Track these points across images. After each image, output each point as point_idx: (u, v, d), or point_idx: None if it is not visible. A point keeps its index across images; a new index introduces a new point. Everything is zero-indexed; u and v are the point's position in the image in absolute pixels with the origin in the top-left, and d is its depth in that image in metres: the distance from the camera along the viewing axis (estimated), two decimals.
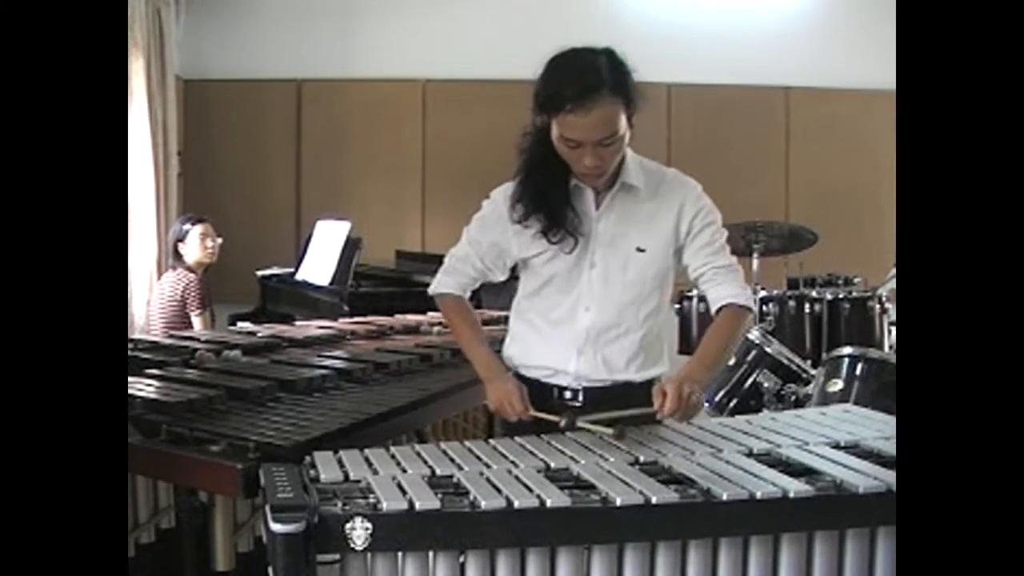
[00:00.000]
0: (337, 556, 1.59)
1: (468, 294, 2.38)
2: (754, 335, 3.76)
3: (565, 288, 2.20)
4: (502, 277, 2.34)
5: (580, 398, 2.21)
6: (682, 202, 2.22)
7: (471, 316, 2.36)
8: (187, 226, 4.67)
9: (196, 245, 4.68)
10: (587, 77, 2.01)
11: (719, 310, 2.19)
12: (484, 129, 5.16)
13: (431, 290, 2.40)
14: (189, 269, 4.63)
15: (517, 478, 1.74)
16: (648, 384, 2.17)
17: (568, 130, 2.03)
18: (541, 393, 2.20)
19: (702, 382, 2.07)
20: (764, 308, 4.33)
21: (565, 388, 2.22)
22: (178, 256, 4.63)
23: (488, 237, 2.27)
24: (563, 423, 2.05)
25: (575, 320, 2.20)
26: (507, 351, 2.33)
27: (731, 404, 3.71)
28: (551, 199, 2.14)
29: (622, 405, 2.11)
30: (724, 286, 2.19)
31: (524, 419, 2.13)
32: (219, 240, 4.69)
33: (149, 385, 2.46)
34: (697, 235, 2.21)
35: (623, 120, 2.06)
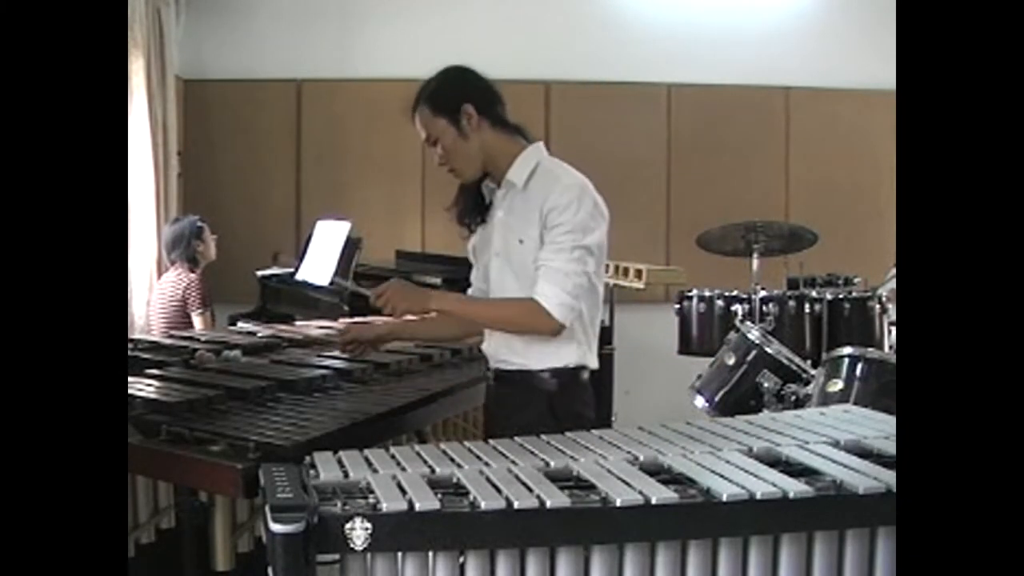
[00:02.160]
0: (337, 556, 1.59)
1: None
2: (754, 335, 3.76)
3: (486, 276, 2.48)
4: None
5: (493, 379, 2.48)
6: (546, 197, 2.32)
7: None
8: (200, 224, 4.68)
9: (211, 242, 4.70)
10: (419, 90, 2.39)
11: (522, 296, 2.33)
12: None
13: None
14: (189, 269, 4.63)
15: (517, 478, 1.74)
16: (547, 373, 2.35)
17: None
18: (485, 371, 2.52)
19: (433, 304, 2.45)
20: (764, 308, 4.33)
21: (489, 369, 2.49)
22: (190, 255, 4.63)
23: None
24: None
25: None
26: None
27: (731, 404, 3.70)
28: (466, 193, 2.47)
29: (518, 392, 2.38)
30: (543, 283, 2.28)
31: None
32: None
33: (149, 385, 2.46)
34: (549, 231, 2.30)
35: (439, 124, 2.35)
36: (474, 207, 2.47)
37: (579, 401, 2.41)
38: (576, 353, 2.38)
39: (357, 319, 3.92)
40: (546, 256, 2.28)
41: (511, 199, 2.40)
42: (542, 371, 2.37)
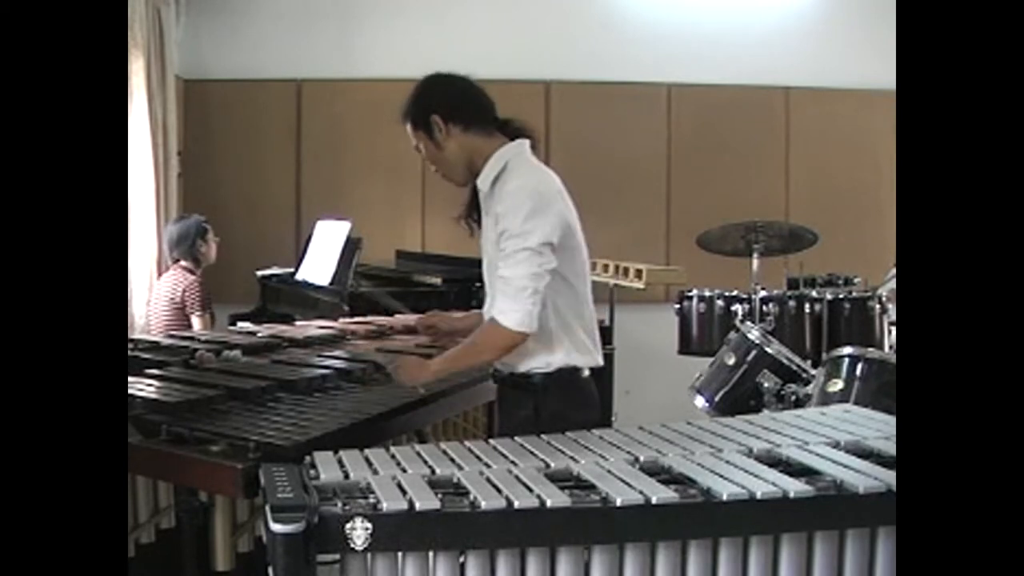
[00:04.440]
0: (337, 556, 1.59)
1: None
2: (754, 335, 3.76)
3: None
4: None
5: (496, 382, 2.50)
6: (501, 198, 2.34)
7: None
8: (205, 224, 4.68)
9: (213, 244, 4.70)
10: None
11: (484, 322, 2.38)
12: None
13: None
14: (189, 270, 4.63)
15: (517, 478, 1.74)
16: (531, 376, 2.36)
17: None
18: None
19: (436, 370, 2.39)
20: (764, 308, 4.32)
21: (492, 373, 2.53)
22: (193, 254, 4.63)
23: None
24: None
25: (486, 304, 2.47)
26: None
27: (731, 404, 3.70)
28: (468, 196, 2.51)
29: (511, 395, 2.43)
30: (497, 298, 2.30)
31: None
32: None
33: (149, 385, 2.46)
34: (500, 239, 2.31)
35: (418, 137, 2.43)
36: (473, 207, 2.50)
37: (571, 403, 2.37)
38: (561, 354, 2.36)
39: (358, 319, 3.92)
40: (500, 267, 2.29)
41: (485, 201, 2.43)
42: (526, 374, 2.37)
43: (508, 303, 2.25)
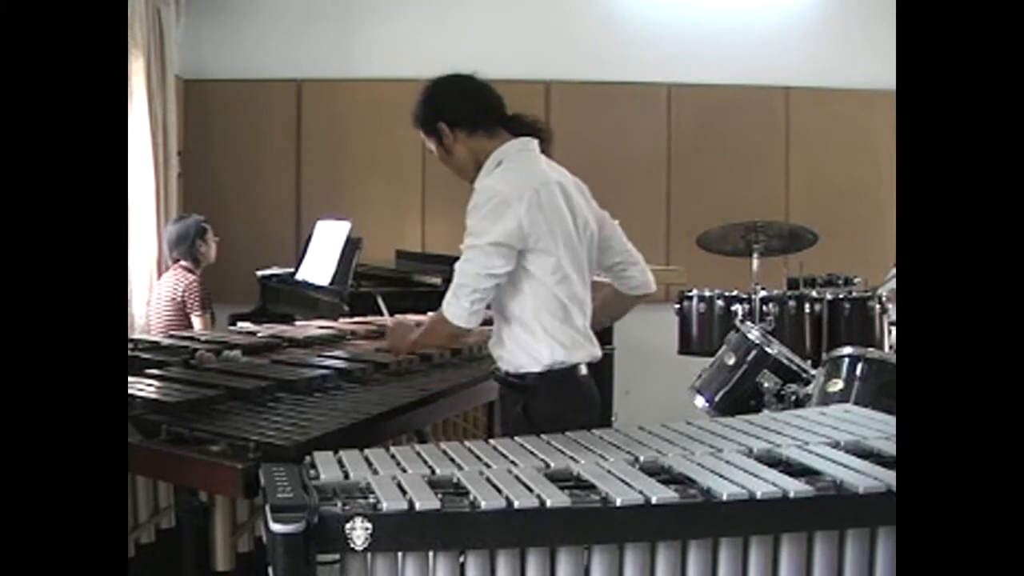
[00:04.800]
0: (337, 556, 1.59)
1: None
2: (754, 335, 3.76)
3: None
4: None
5: (496, 382, 2.54)
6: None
7: None
8: (205, 224, 4.68)
9: (213, 244, 4.70)
10: None
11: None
12: None
13: None
14: (189, 270, 4.63)
15: (517, 478, 1.74)
16: (522, 377, 2.40)
17: None
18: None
19: (409, 341, 2.67)
20: (764, 308, 4.32)
21: (492, 372, 2.56)
22: (193, 254, 4.63)
23: None
24: None
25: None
26: None
27: (731, 404, 3.70)
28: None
29: (506, 391, 2.48)
30: (448, 292, 2.39)
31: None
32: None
33: (149, 385, 2.46)
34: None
35: (430, 142, 2.49)
36: None
37: (567, 404, 2.37)
38: (546, 351, 2.36)
39: (358, 319, 3.92)
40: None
41: None
42: (519, 374, 2.41)
43: (451, 296, 2.36)
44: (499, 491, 1.66)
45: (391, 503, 1.59)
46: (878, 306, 4.32)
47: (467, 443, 2.01)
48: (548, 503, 1.62)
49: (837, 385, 3.22)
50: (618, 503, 1.64)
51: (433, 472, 1.79)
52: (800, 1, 6.12)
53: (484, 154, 2.43)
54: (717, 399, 3.77)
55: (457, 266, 2.35)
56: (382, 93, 5.75)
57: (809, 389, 3.45)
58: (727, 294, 4.48)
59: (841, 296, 4.37)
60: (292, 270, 5.11)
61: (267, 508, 1.59)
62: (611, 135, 5.81)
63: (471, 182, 2.46)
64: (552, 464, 1.85)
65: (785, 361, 3.68)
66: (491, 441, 2.02)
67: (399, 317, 2.63)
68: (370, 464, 1.83)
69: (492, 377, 2.56)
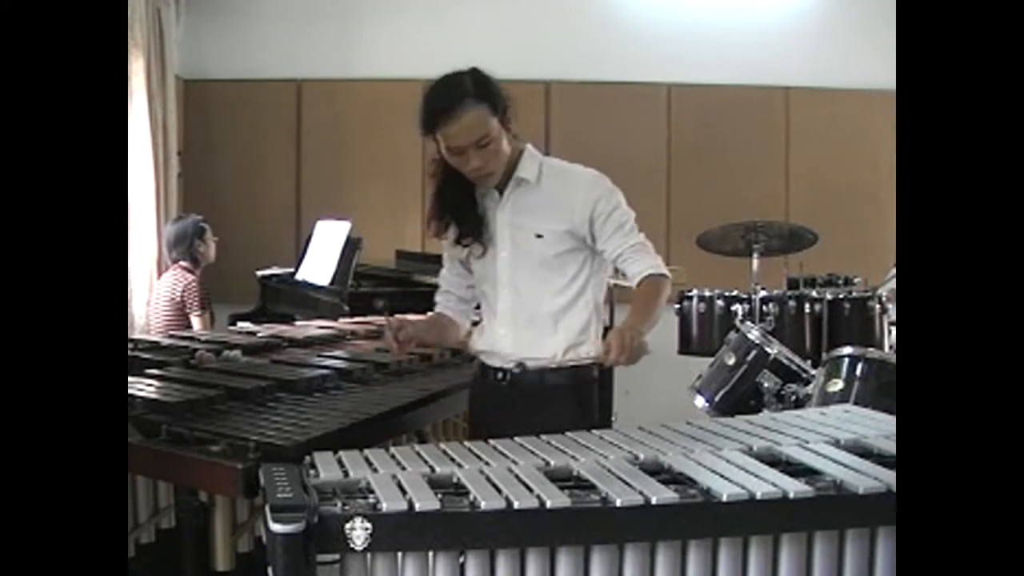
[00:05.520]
0: (337, 556, 1.59)
1: (469, 308, 2.60)
2: (754, 335, 3.76)
3: (489, 278, 2.45)
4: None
5: (508, 377, 2.42)
6: (574, 189, 2.39)
7: (442, 319, 2.58)
8: (203, 224, 4.68)
9: (212, 244, 4.70)
10: (452, 91, 2.28)
11: (640, 283, 2.38)
12: None
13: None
14: (188, 270, 4.63)
15: (517, 478, 1.74)
16: (570, 370, 2.37)
17: (448, 140, 2.28)
18: (485, 375, 2.49)
19: (641, 330, 2.26)
20: (764, 308, 4.32)
21: (499, 369, 2.44)
22: (192, 254, 4.63)
23: (449, 254, 2.57)
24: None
25: (500, 304, 2.43)
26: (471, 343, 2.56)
27: (731, 404, 3.70)
28: (459, 211, 2.42)
29: (549, 390, 2.38)
30: (640, 262, 2.37)
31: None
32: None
33: (149, 385, 2.46)
34: (606, 221, 2.37)
35: (493, 122, 2.29)
36: (475, 220, 2.41)
37: (594, 396, 2.46)
38: (595, 343, 2.41)
39: (358, 319, 3.92)
40: (622, 240, 2.37)
41: (519, 196, 2.40)
42: (586, 364, 2.41)
43: (654, 260, 2.37)
44: (499, 491, 1.66)
45: (391, 503, 1.59)
46: (878, 306, 4.32)
47: (467, 443, 2.01)
48: (548, 503, 1.62)
49: (837, 385, 3.22)
50: (618, 503, 1.64)
51: (433, 472, 1.79)
52: (800, 1, 6.12)
53: (515, 152, 2.38)
54: (717, 399, 3.77)
55: (640, 238, 2.39)
56: (382, 93, 5.76)
57: (809, 389, 3.45)
58: (727, 294, 4.48)
59: (841, 296, 4.37)
60: (292, 270, 5.12)
61: (267, 508, 1.59)
62: (611, 135, 5.81)
63: (496, 180, 2.36)
64: (552, 464, 1.85)
65: (785, 361, 3.68)
66: (491, 441, 2.02)
67: (399, 317, 2.57)
68: (370, 464, 1.83)
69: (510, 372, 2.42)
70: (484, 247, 2.42)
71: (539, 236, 2.37)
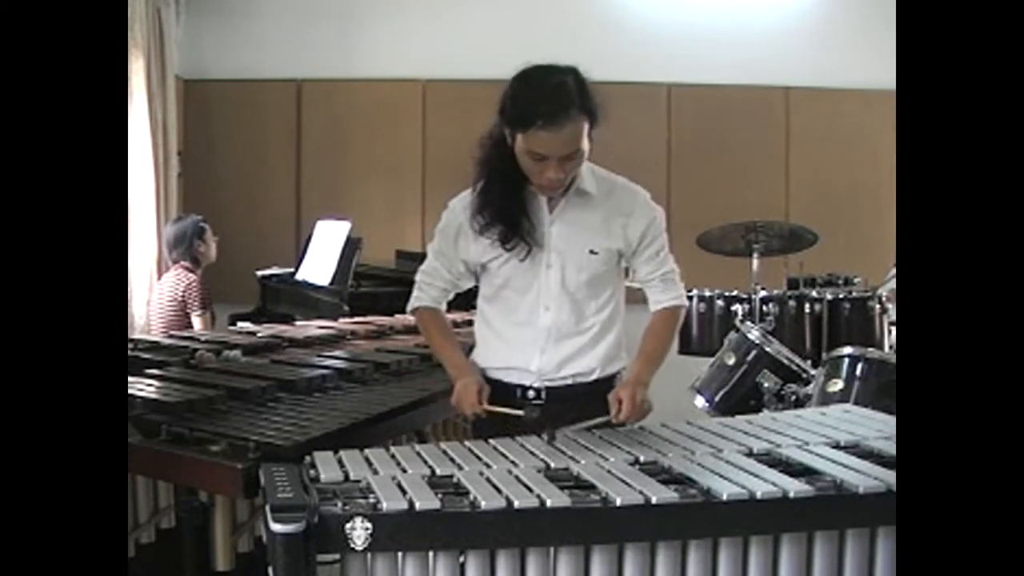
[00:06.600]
0: (337, 556, 1.59)
1: (444, 305, 2.46)
2: (754, 335, 3.76)
3: (523, 289, 2.30)
4: (470, 284, 2.43)
5: (542, 396, 2.29)
6: (631, 210, 2.34)
7: (443, 324, 2.44)
8: (203, 224, 4.68)
9: (212, 244, 4.70)
10: (560, 96, 2.13)
11: (658, 311, 2.38)
12: (484, 129, 5.12)
13: (408, 308, 2.47)
14: (189, 270, 4.63)
15: (517, 478, 1.74)
16: (607, 381, 2.31)
17: (537, 145, 2.12)
18: (505, 394, 2.29)
19: (648, 383, 2.23)
20: (764, 308, 4.32)
21: (528, 387, 2.30)
22: (192, 255, 4.63)
23: (450, 247, 2.38)
24: (525, 415, 2.16)
25: (537, 320, 2.30)
26: (474, 356, 2.41)
27: (731, 404, 3.70)
28: (510, 210, 2.24)
29: (583, 403, 2.23)
30: (665, 292, 2.38)
31: (479, 414, 2.22)
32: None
33: (149, 385, 2.46)
34: (649, 244, 2.34)
35: (586, 136, 2.17)
36: (527, 224, 2.25)
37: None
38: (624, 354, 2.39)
39: (358, 319, 3.92)
40: (657, 266, 2.36)
41: (574, 208, 2.28)
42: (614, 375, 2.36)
43: (680, 290, 2.39)
44: (499, 491, 1.66)
45: (391, 503, 1.59)
46: (878, 306, 4.32)
47: (467, 443, 2.01)
48: (548, 503, 1.62)
49: (837, 385, 3.22)
50: (618, 503, 1.64)
51: (433, 472, 1.79)
52: (800, 1, 6.12)
53: None
54: (717, 399, 3.77)
55: (671, 264, 2.37)
56: (382, 93, 5.76)
57: (809, 389, 3.45)
58: (727, 294, 4.48)
59: (841, 296, 4.37)
60: (292, 270, 5.12)
61: (267, 508, 1.59)
62: (611, 135, 5.80)
63: (557, 192, 2.25)
64: (552, 464, 1.86)
65: (785, 361, 3.68)
66: (491, 441, 2.02)
67: (466, 382, 2.28)
68: (370, 464, 1.83)
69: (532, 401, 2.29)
70: (529, 253, 2.25)
71: (594, 253, 2.28)
